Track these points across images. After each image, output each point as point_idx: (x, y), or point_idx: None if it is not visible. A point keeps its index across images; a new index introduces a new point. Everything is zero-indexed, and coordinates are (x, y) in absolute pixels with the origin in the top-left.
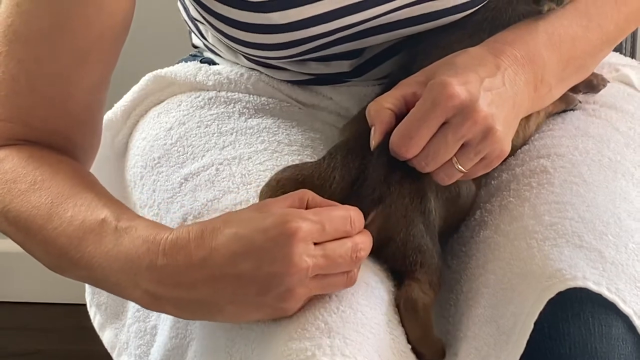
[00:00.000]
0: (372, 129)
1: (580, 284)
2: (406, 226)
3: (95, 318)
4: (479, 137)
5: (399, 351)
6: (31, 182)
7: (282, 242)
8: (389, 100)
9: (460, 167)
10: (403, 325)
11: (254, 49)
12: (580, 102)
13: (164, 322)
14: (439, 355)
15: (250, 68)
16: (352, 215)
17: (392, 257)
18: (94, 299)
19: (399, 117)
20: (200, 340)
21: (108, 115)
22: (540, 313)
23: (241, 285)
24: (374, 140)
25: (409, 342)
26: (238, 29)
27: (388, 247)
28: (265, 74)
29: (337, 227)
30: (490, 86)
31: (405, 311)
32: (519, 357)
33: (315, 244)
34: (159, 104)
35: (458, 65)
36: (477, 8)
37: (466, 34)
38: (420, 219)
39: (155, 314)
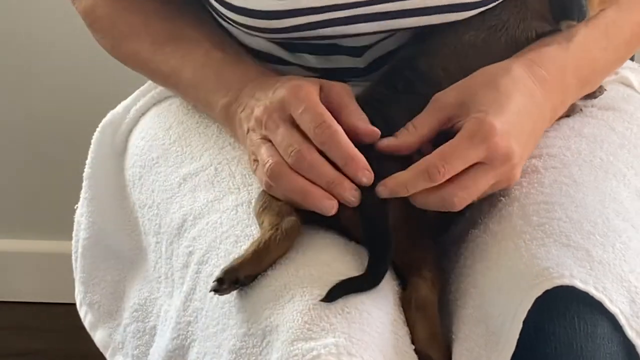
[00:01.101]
0: (394, 137)
1: (567, 282)
2: (407, 221)
3: (87, 317)
4: (504, 180)
5: (403, 351)
6: (129, 23)
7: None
8: (424, 131)
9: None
10: (411, 325)
11: (241, 15)
12: (581, 109)
13: (164, 323)
14: (447, 357)
15: None
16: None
17: (397, 253)
18: (85, 298)
19: (424, 142)
20: (204, 341)
21: (111, 113)
22: (527, 312)
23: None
24: (385, 146)
25: (414, 343)
26: None
27: (394, 243)
28: None
29: (308, 117)
30: (525, 125)
31: (417, 310)
32: (509, 356)
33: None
34: (161, 101)
35: (501, 91)
36: (485, 16)
37: (479, 38)
38: (418, 212)
39: (154, 314)
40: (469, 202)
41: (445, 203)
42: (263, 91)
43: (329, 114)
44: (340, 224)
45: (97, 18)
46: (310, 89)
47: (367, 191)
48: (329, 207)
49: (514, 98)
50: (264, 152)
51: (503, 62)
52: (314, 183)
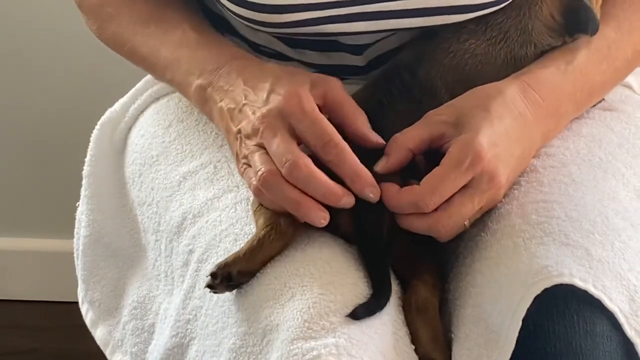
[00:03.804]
0: (385, 157)
1: (566, 280)
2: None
3: (88, 315)
4: (490, 202)
5: (403, 352)
6: (115, 3)
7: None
8: (414, 142)
9: (467, 223)
10: (413, 328)
11: (246, 9)
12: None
13: (164, 321)
14: (449, 358)
15: None
16: (333, 139)
17: (398, 257)
18: (87, 296)
19: (416, 154)
20: (203, 340)
21: (109, 111)
22: (526, 311)
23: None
24: (380, 169)
25: (417, 347)
26: None
27: (394, 247)
28: None
29: (314, 132)
30: (513, 148)
31: (417, 313)
32: (509, 355)
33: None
34: (158, 99)
35: (492, 112)
36: (488, 25)
37: (479, 47)
38: None
39: (153, 312)
40: (455, 229)
41: (431, 231)
42: (251, 89)
43: (333, 128)
44: (340, 231)
45: None
46: (308, 95)
47: (363, 204)
48: (321, 218)
49: (504, 120)
50: (257, 159)
51: (498, 83)
52: (306, 194)
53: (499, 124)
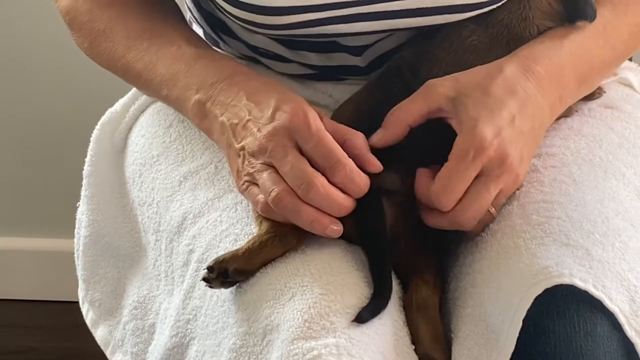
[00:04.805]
0: (382, 130)
1: (567, 280)
2: (407, 227)
3: (88, 315)
4: (510, 184)
5: (403, 352)
6: (107, 19)
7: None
8: (413, 117)
9: (493, 210)
10: (414, 327)
11: (245, 12)
12: (577, 111)
13: (164, 321)
14: (449, 358)
15: (251, 58)
16: (340, 159)
17: (399, 256)
18: (87, 295)
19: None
20: (203, 340)
21: (110, 112)
22: (527, 311)
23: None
24: (375, 142)
25: (417, 346)
26: None
27: (396, 246)
28: (267, 67)
29: (321, 153)
30: (521, 125)
31: (417, 311)
32: (509, 355)
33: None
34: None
35: (492, 95)
36: (489, 24)
37: (482, 43)
38: (418, 218)
39: (153, 312)
40: (477, 218)
41: (454, 226)
42: (255, 104)
43: (339, 148)
44: (341, 235)
45: (77, 15)
46: (313, 113)
47: (365, 204)
48: (337, 232)
49: (505, 102)
50: (268, 179)
51: (497, 62)
52: (320, 210)
53: (500, 107)
